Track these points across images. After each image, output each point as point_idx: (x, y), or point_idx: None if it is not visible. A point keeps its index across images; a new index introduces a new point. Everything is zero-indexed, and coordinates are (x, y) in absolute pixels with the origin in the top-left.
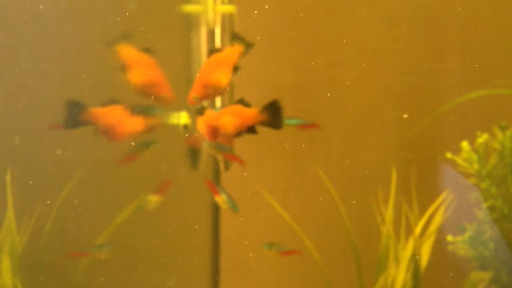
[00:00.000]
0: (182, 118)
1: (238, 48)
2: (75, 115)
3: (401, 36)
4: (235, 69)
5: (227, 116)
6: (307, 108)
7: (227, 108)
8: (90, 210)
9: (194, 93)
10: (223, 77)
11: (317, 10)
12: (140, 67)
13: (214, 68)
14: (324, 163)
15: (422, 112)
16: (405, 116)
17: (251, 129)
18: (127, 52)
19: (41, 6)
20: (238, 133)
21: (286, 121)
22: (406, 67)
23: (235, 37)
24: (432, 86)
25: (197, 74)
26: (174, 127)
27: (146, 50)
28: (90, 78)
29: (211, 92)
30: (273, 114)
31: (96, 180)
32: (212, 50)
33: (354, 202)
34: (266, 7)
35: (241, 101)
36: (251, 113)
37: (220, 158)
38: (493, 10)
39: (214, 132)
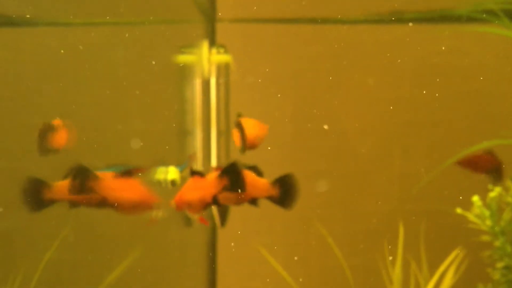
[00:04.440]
0: (170, 173)
1: (221, 181)
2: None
3: (406, 86)
4: (254, 202)
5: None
6: (309, 160)
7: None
8: (79, 268)
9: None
10: (199, 203)
11: (319, 59)
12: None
13: (195, 190)
14: (327, 217)
15: (429, 163)
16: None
17: (253, 201)
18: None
19: None
20: (236, 204)
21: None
22: (411, 118)
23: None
24: (439, 136)
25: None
26: (161, 183)
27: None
28: None
29: (189, 208)
30: (286, 191)
31: (84, 238)
32: (194, 172)
33: (359, 260)
34: (266, 70)
35: (254, 168)
36: (262, 185)
37: (216, 214)
38: (498, 59)
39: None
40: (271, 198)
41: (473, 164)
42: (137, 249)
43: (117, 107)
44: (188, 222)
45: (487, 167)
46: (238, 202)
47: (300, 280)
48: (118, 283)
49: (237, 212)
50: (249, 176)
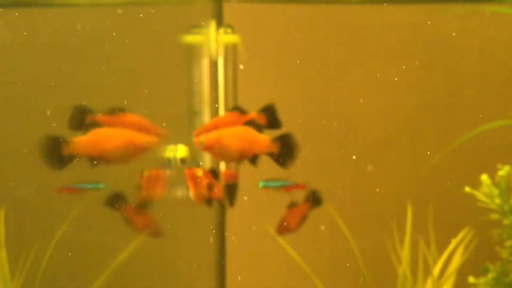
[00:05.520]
0: (179, 151)
1: (270, 146)
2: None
3: (415, 69)
4: (254, 160)
5: (235, 138)
6: (319, 143)
7: (239, 129)
8: (88, 250)
9: (205, 139)
10: (237, 153)
11: (329, 40)
12: None
13: (240, 139)
14: (337, 200)
15: (438, 145)
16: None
17: (254, 159)
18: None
19: None
20: (240, 160)
21: (266, 184)
22: (421, 100)
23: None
24: (448, 118)
25: (223, 129)
26: (171, 161)
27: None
28: None
29: (217, 151)
30: (286, 150)
31: (93, 219)
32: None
33: (368, 241)
34: (275, 50)
35: (252, 123)
36: (263, 141)
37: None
38: (509, 42)
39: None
40: (271, 155)
41: None
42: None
43: (124, 89)
44: (231, 199)
45: None
46: (240, 158)
47: (309, 261)
48: (127, 264)
49: (246, 194)
50: (250, 131)
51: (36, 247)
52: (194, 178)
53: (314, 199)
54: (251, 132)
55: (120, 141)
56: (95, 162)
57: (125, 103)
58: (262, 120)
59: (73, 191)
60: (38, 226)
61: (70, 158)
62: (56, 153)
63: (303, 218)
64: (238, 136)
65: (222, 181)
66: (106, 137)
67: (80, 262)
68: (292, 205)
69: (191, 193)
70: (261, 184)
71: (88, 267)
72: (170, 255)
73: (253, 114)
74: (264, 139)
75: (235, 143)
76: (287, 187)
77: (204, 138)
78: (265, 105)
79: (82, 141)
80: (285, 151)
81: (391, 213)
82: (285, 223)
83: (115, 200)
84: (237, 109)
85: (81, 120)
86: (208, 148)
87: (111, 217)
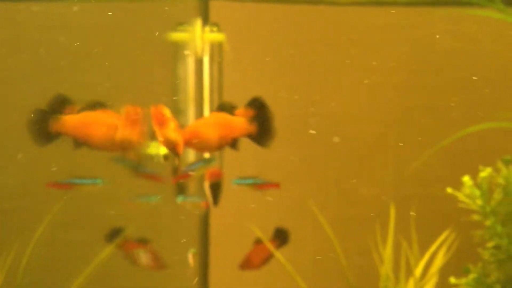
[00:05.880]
0: (162, 148)
1: (248, 127)
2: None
3: (400, 71)
4: (234, 144)
5: (211, 127)
6: (303, 142)
7: (212, 116)
8: (69, 247)
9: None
10: (215, 141)
11: (315, 40)
12: None
13: (216, 126)
14: (321, 201)
15: (422, 148)
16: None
17: (234, 144)
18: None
19: None
20: (221, 146)
21: (239, 182)
22: (405, 102)
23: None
24: (432, 121)
25: (195, 121)
26: (153, 158)
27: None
28: None
29: (195, 144)
30: (264, 129)
31: (75, 215)
32: (223, 105)
33: (351, 242)
34: (260, 50)
35: (224, 107)
36: (239, 123)
37: (208, 192)
38: (493, 45)
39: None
40: (249, 136)
41: None
42: (129, 229)
43: (108, 86)
44: (216, 198)
45: None
46: (221, 145)
47: (293, 262)
48: (108, 262)
49: (230, 194)
50: (224, 116)
51: (17, 245)
52: (160, 117)
53: (282, 238)
54: (226, 117)
55: (108, 130)
56: (79, 144)
57: (108, 100)
58: (250, 114)
59: (65, 187)
60: (18, 223)
61: (56, 135)
62: (43, 128)
63: (269, 257)
64: (214, 124)
65: (207, 180)
66: (96, 122)
67: (61, 260)
68: (259, 242)
69: (158, 136)
70: (234, 182)
71: (70, 264)
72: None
73: (240, 111)
74: (241, 121)
75: (212, 132)
76: (261, 185)
77: (181, 135)
78: (252, 99)
79: (71, 120)
80: (262, 129)
81: (375, 215)
82: (249, 260)
83: (115, 236)
84: (224, 106)
85: (59, 110)
86: (187, 143)
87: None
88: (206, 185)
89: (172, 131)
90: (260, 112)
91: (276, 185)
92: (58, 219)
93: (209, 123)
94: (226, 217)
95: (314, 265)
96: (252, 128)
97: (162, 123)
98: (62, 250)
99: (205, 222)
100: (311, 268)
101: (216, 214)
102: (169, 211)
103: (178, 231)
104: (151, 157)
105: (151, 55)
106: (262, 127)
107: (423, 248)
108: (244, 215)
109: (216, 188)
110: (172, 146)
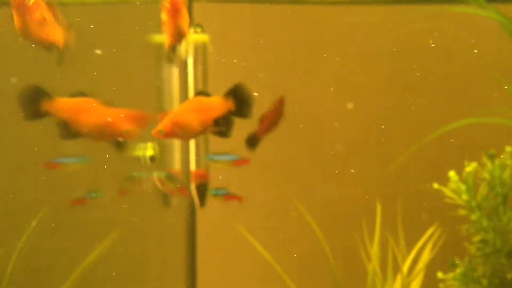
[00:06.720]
0: (148, 149)
1: (225, 103)
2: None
3: (382, 69)
4: (217, 124)
5: (189, 112)
6: (287, 143)
7: (187, 103)
8: (55, 253)
9: (162, 127)
10: (197, 125)
11: (297, 41)
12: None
13: (194, 112)
14: (308, 200)
15: (406, 145)
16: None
17: (217, 123)
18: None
19: None
20: (204, 129)
21: (211, 157)
22: (388, 100)
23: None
24: (415, 118)
25: (173, 109)
26: (140, 159)
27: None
28: None
29: (178, 133)
30: (241, 99)
31: (61, 221)
32: (200, 92)
33: (338, 240)
34: (244, 50)
35: (202, 93)
36: (216, 103)
37: (194, 194)
38: (474, 42)
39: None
40: (231, 113)
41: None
42: (114, 233)
43: (92, 88)
44: (166, 202)
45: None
46: (203, 129)
47: (281, 260)
48: (95, 267)
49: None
50: (200, 100)
51: (2, 251)
52: (176, 4)
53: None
54: (202, 100)
55: (100, 120)
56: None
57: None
58: (230, 105)
59: (56, 166)
60: (3, 229)
61: (45, 114)
62: (34, 103)
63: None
64: (192, 109)
65: (193, 182)
66: (88, 110)
67: (47, 266)
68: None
69: (168, 27)
70: (206, 157)
71: (55, 270)
72: (140, 257)
73: (216, 98)
74: (218, 100)
75: (192, 117)
76: (233, 162)
77: (161, 126)
78: (232, 86)
79: (64, 103)
80: (239, 100)
81: (361, 212)
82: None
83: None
84: (199, 94)
85: (36, 102)
86: (169, 133)
87: (77, 220)
88: (193, 187)
89: (185, 22)
90: (233, 88)
91: (246, 161)
92: (42, 226)
93: (187, 109)
94: (212, 219)
95: (301, 263)
96: (229, 102)
97: (176, 10)
98: (47, 257)
99: (192, 223)
100: (298, 267)
101: (202, 216)
102: (155, 214)
103: (165, 233)
104: (137, 159)
105: (135, 57)
106: (238, 98)
107: (410, 244)
108: (230, 215)
109: (202, 189)
110: (180, 38)
